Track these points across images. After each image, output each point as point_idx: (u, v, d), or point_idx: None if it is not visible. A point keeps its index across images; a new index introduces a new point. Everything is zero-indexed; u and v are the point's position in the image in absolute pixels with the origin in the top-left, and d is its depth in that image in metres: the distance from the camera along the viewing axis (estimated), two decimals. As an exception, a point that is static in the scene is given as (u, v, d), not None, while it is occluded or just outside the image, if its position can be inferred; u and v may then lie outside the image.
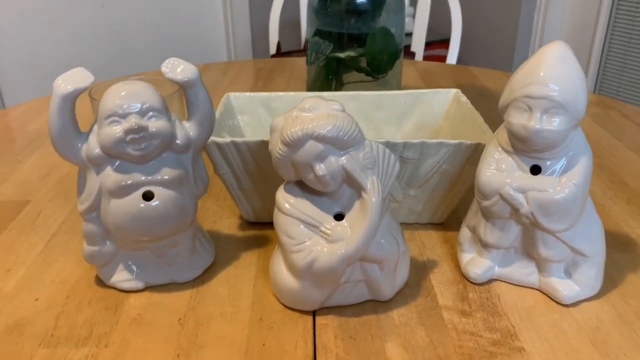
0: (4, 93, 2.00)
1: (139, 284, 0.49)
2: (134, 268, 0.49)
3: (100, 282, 0.50)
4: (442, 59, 1.66)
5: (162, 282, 0.50)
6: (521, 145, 0.44)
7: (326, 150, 0.41)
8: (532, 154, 0.45)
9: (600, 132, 0.84)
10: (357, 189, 0.43)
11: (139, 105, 0.43)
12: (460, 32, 1.59)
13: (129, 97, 0.44)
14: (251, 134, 0.65)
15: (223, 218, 0.61)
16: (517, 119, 0.43)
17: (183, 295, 0.49)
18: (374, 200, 0.41)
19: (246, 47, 2.52)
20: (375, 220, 0.41)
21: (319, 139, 0.41)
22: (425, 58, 1.68)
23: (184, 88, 0.46)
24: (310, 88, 0.77)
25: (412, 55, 1.67)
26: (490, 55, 2.39)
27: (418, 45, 1.67)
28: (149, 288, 0.50)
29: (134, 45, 2.19)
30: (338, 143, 0.41)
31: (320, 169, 0.41)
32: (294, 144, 0.41)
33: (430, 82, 1.08)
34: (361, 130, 0.43)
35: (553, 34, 2.25)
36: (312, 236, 0.43)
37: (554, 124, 0.42)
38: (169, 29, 2.29)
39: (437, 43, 2.22)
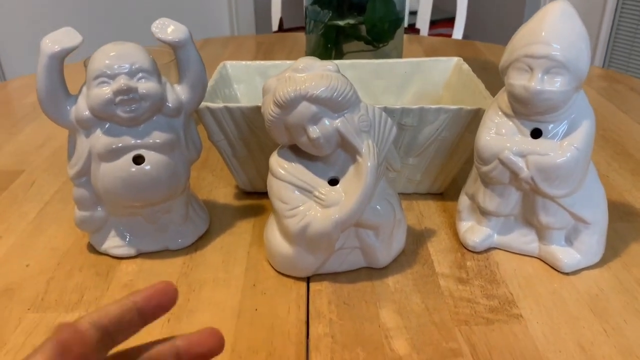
0: (5, 65, 1.99)
1: (130, 251, 0.48)
2: (126, 235, 0.48)
3: (92, 249, 0.49)
4: (448, 37, 1.63)
5: (154, 249, 0.49)
6: (522, 107, 0.43)
7: (320, 112, 0.40)
8: (532, 117, 0.43)
9: (607, 105, 0.83)
10: (352, 152, 0.41)
11: (128, 66, 0.42)
12: (465, 9, 1.57)
13: (118, 57, 0.42)
14: (248, 103, 0.64)
15: (219, 188, 0.60)
16: (517, 79, 0.42)
17: (175, 262, 0.48)
18: (369, 164, 0.40)
19: (249, 22, 2.49)
20: (370, 184, 0.40)
21: (312, 100, 0.40)
22: (431, 36, 1.66)
23: (174, 49, 0.45)
24: (309, 58, 0.76)
25: (417, 32, 1.64)
26: (496, 33, 2.36)
27: (423, 23, 1.65)
28: (141, 255, 0.49)
29: (135, 19, 2.17)
30: (332, 104, 0.40)
31: (314, 131, 0.40)
32: (286, 105, 0.40)
33: (434, 56, 1.06)
34: (356, 92, 0.42)
35: (561, 12, 2.21)
36: (306, 201, 0.42)
37: (556, 84, 0.41)
38: (171, 3, 2.27)
39: (443, 21, 2.19)
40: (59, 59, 0.42)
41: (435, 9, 1.70)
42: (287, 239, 0.44)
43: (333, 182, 0.43)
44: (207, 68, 0.47)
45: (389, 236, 0.45)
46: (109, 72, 0.42)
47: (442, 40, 1.21)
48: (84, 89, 0.44)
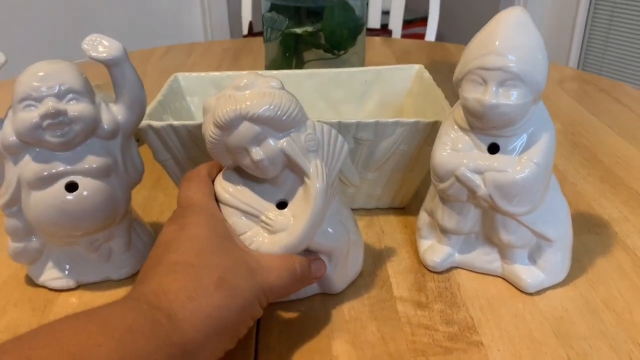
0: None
1: (70, 282, 0.45)
2: (65, 265, 0.45)
3: (30, 281, 0.46)
4: (422, 37, 1.61)
5: (96, 279, 0.46)
6: (477, 122, 0.41)
7: (263, 132, 0.37)
8: (489, 131, 0.41)
9: (576, 108, 0.81)
10: (300, 174, 0.39)
11: (56, 87, 0.39)
12: (438, 10, 1.55)
13: (45, 78, 0.39)
14: (199, 119, 0.61)
15: (172, 208, 0.57)
16: (471, 93, 0.39)
17: (118, 293, 0.45)
18: (317, 186, 0.38)
19: (223, 27, 2.46)
20: (319, 207, 0.38)
21: (254, 119, 0.37)
22: (405, 36, 1.64)
23: (108, 67, 0.42)
24: (269, 67, 0.73)
25: (389, 33, 1.62)
26: (471, 32, 2.35)
27: (395, 23, 1.63)
28: (82, 286, 0.46)
29: (105, 27, 2.12)
30: (276, 124, 0.38)
31: (257, 153, 0.38)
32: (226, 126, 0.37)
33: (403, 61, 1.04)
34: (303, 110, 0.39)
35: (536, 8, 2.21)
36: (252, 227, 0.40)
37: (512, 97, 0.38)
38: (143, 11, 2.22)
39: (417, 21, 2.18)
40: (-22, 82, 0.39)
41: (409, 8, 1.68)
42: None
43: (282, 205, 0.41)
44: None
45: (343, 260, 0.43)
46: (35, 94, 0.39)
47: (412, 42, 1.19)
48: (10, 113, 0.41)
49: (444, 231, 0.46)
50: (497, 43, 0.38)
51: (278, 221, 0.39)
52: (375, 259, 0.48)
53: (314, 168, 0.38)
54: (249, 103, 0.37)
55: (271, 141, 0.38)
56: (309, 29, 0.67)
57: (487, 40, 0.39)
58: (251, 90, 0.38)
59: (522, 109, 0.39)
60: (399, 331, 0.40)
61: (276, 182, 0.40)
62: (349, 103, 0.63)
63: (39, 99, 0.39)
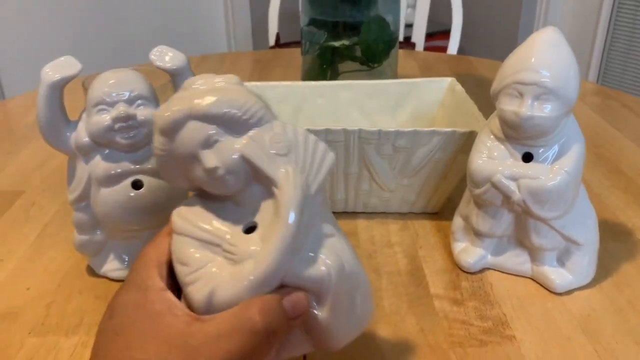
0: (4, 84, 2.00)
1: (129, 273, 0.49)
2: (125, 257, 0.49)
3: (91, 272, 0.50)
4: (444, 49, 1.65)
5: (153, 271, 0.50)
6: (513, 132, 0.44)
7: (215, 133, 0.31)
8: (523, 141, 0.44)
9: (599, 122, 0.84)
10: (267, 184, 0.31)
11: (127, 93, 0.43)
12: (460, 22, 1.58)
13: (117, 85, 0.43)
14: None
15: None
16: (508, 105, 0.43)
17: (174, 285, 0.48)
18: (287, 197, 0.30)
19: (246, 38, 2.51)
20: (293, 222, 0.29)
21: (201, 117, 0.31)
22: (427, 49, 1.67)
23: (172, 76, 0.46)
24: (305, 78, 0.77)
25: (412, 46, 1.66)
26: (492, 45, 2.38)
27: (418, 35, 1.66)
28: (140, 277, 0.49)
29: (133, 37, 2.18)
30: (230, 122, 0.31)
31: (209, 158, 0.31)
32: (170, 129, 0.31)
33: (428, 73, 1.07)
34: (269, 109, 0.33)
35: (556, 22, 2.24)
36: (211, 259, 0.31)
37: (545, 110, 0.42)
38: (168, 20, 2.28)
39: (439, 34, 2.21)
40: (59, 88, 0.43)
41: (431, 22, 1.72)
42: (192, 310, 0.31)
43: (252, 230, 0.32)
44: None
45: (343, 303, 0.31)
46: (108, 99, 0.43)
47: (436, 55, 1.23)
48: (84, 116, 0.45)
49: (478, 234, 0.49)
50: (532, 60, 0.42)
51: (243, 248, 0.30)
52: (411, 259, 0.52)
53: (284, 175, 0.30)
54: (195, 100, 0.31)
55: (226, 144, 0.31)
56: (346, 42, 0.70)
57: (523, 57, 0.42)
58: (201, 87, 0.33)
59: (555, 121, 0.42)
60: (436, 325, 0.44)
61: (241, 200, 0.32)
62: (383, 113, 0.66)
63: (111, 104, 0.43)
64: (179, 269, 0.31)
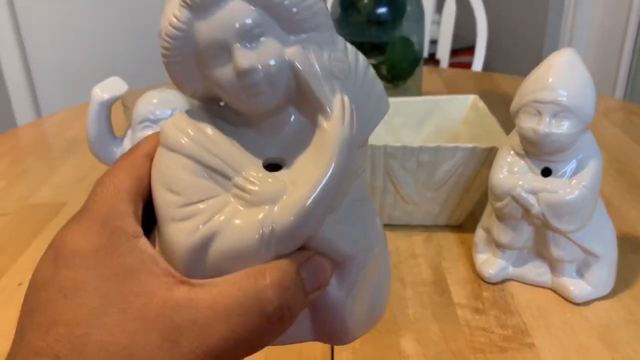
0: (40, 102, 2.08)
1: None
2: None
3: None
4: (468, 65, 1.67)
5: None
6: (532, 148, 0.46)
7: (262, 24, 0.23)
8: (542, 156, 0.46)
9: (623, 138, 0.85)
10: (312, 112, 0.24)
11: (169, 112, 0.47)
12: (485, 39, 1.60)
13: (160, 103, 0.47)
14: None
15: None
16: (527, 122, 0.45)
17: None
18: (340, 133, 0.22)
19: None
20: (340, 168, 0.22)
21: None
22: (451, 65, 1.70)
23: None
24: (333, 95, 0.80)
25: (437, 62, 1.68)
26: (516, 62, 2.39)
27: (443, 52, 1.69)
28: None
29: (149, 45, 2.25)
30: (285, 14, 0.23)
31: (246, 56, 0.22)
32: (202, 3, 0.22)
33: (452, 89, 1.10)
34: (329, 14, 0.25)
35: (582, 38, 2.24)
36: (216, 194, 0.23)
37: (563, 127, 0.44)
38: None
39: (464, 50, 2.23)
40: (108, 107, 0.46)
41: (456, 38, 1.74)
42: (170, 263, 0.22)
43: (273, 168, 0.24)
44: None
45: (364, 286, 0.25)
46: (152, 117, 0.46)
47: (461, 72, 1.25)
48: (129, 132, 0.48)
49: (499, 246, 0.51)
50: (550, 80, 0.44)
51: (265, 187, 0.23)
52: (435, 270, 0.54)
53: (339, 104, 0.23)
54: None
55: (274, 42, 0.23)
56: (373, 61, 0.73)
57: (541, 77, 0.44)
58: None
59: (572, 138, 0.45)
60: (459, 332, 0.46)
61: (267, 125, 0.25)
62: (408, 129, 0.69)
63: (155, 121, 0.46)
64: (165, 197, 0.23)
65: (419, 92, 0.79)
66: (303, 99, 0.24)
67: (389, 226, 0.61)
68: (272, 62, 0.23)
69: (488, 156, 0.54)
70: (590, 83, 0.44)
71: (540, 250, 0.50)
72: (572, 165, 0.46)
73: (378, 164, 0.55)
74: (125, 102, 0.64)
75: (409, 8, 0.73)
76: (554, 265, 0.49)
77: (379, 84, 0.25)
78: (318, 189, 0.21)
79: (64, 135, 0.92)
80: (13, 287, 0.52)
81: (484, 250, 0.53)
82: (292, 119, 0.24)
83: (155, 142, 0.25)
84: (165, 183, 0.23)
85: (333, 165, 0.22)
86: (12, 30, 1.93)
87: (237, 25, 0.22)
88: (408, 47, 0.72)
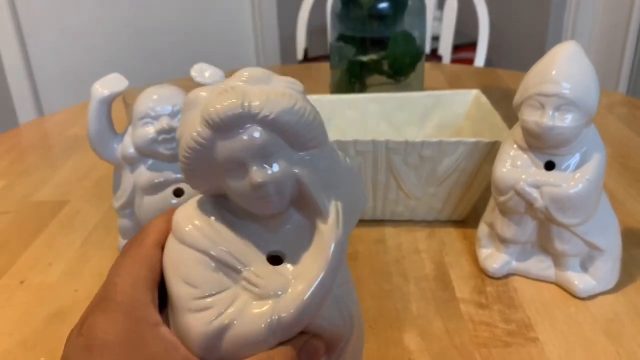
0: (42, 100, 2.08)
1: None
2: (166, 262, 0.52)
3: (135, 275, 0.53)
4: (470, 62, 1.66)
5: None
6: (535, 141, 0.46)
7: (274, 145, 0.26)
8: (546, 150, 0.46)
9: (626, 132, 0.84)
10: (311, 215, 0.28)
11: (169, 108, 0.46)
12: (487, 34, 1.60)
13: (160, 100, 0.47)
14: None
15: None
16: (530, 116, 0.45)
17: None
18: (335, 235, 0.27)
19: (274, 53, 2.56)
20: (335, 265, 0.27)
21: (268, 123, 0.26)
22: (454, 61, 1.69)
23: (211, 91, 0.49)
24: (333, 91, 0.79)
25: (439, 58, 1.68)
26: (519, 58, 2.38)
27: (445, 48, 1.68)
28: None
29: (164, 52, 2.25)
30: (295, 136, 0.26)
31: (260, 173, 0.26)
32: (225, 127, 0.25)
33: (455, 85, 1.09)
34: (325, 129, 0.28)
35: (584, 33, 2.23)
36: (227, 286, 0.27)
37: (566, 120, 0.43)
38: (198, 35, 2.34)
39: (465, 46, 2.23)
40: (108, 103, 0.46)
41: (457, 34, 1.74)
42: (186, 347, 0.26)
43: (275, 260, 0.28)
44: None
45: (348, 352, 0.30)
46: (152, 113, 0.46)
47: (463, 68, 1.24)
48: (130, 129, 0.48)
49: (502, 241, 0.50)
50: (553, 72, 0.44)
51: (272, 281, 0.27)
52: (438, 265, 0.54)
53: (334, 210, 0.27)
54: (263, 99, 0.25)
55: (283, 160, 0.26)
56: (374, 56, 0.73)
57: (544, 70, 0.44)
58: (265, 85, 0.27)
59: (575, 131, 0.44)
60: (462, 327, 0.45)
61: (273, 224, 0.28)
62: (410, 125, 0.69)
63: (155, 117, 0.46)
64: (182, 289, 0.26)
65: (421, 88, 0.78)
66: (303, 204, 0.28)
67: (391, 222, 0.61)
68: (282, 177, 0.26)
69: (491, 151, 0.53)
70: (593, 76, 0.44)
71: (544, 245, 0.49)
72: (576, 158, 0.46)
73: (380, 160, 0.55)
74: (126, 99, 0.63)
75: (410, 2, 0.72)
76: (557, 260, 0.49)
77: (360, 181, 0.30)
78: (317, 284, 0.26)
79: (65, 133, 0.92)
80: (15, 286, 0.52)
81: (487, 245, 0.53)
82: (292, 218, 0.28)
83: (162, 229, 0.28)
84: (182, 277, 0.27)
85: (330, 263, 0.26)
86: (14, 28, 1.93)
87: (254, 147, 0.25)
88: (409, 41, 0.72)
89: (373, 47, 0.74)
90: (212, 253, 0.27)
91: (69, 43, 2.07)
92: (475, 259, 0.54)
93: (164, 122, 0.46)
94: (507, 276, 0.51)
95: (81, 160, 0.81)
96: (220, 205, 0.28)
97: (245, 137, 0.25)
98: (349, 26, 0.73)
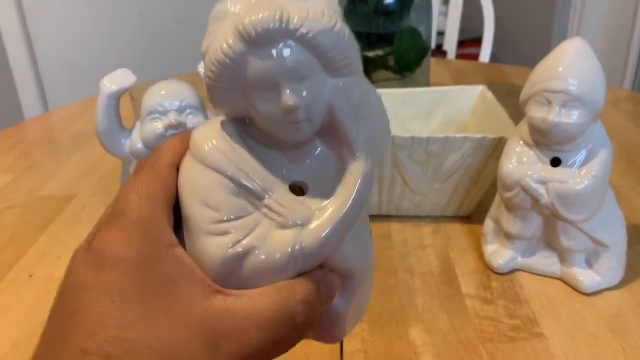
0: (48, 96, 2.08)
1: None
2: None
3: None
4: (476, 57, 1.66)
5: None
6: (541, 138, 0.46)
7: (310, 67, 0.24)
8: (552, 146, 0.46)
9: (632, 129, 0.84)
10: (339, 146, 0.26)
11: (177, 104, 0.47)
12: (493, 30, 1.59)
13: (168, 95, 0.47)
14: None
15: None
16: (537, 112, 0.45)
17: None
18: (363, 168, 0.26)
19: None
20: (362, 199, 0.26)
21: (305, 42, 0.24)
22: (459, 57, 1.69)
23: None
24: (340, 87, 0.80)
25: (444, 54, 1.68)
26: (524, 54, 2.37)
27: (450, 44, 1.68)
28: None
29: (170, 49, 2.25)
30: (332, 59, 0.25)
31: (293, 96, 0.24)
32: (260, 40, 0.23)
33: (460, 81, 1.09)
34: (361, 60, 0.27)
35: (590, 29, 2.22)
36: (249, 212, 0.25)
37: (573, 117, 0.43)
38: (204, 30, 2.34)
39: (471, 42, 2.22)
40: (117, 99, 0.46)
41: (463, 30, 1.73)
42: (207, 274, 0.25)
43: (297, 190, 0.27)
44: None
45: (358, 292, 0.29)
46: (160, 109, 0.46)
47: (468, 64, 1.24)
48: (138, 124, 0.48)
49: (508, 237, 0.51)
50: (560, 69, 0.44)
51: (294, 210, 0.25)
52: (444, 261, 0.54)
53: (364, 143, 0.26)
54: (303, 15, 0.24)
55: (317, 85, 0.25)
56: (380, 52, 0.73)
57: (551, 66, 0.44)
58: (304, 2, 0.25)
59: (582, 128, 0.44)
60: (468, 322, 0.46)
61: (297, 155, 0.27)
62: (416, 120, 0.69)
63: (164, 113, 0.46)
64: (200, 212, 0.25)
65: (427, 84, 0.78)
66: (332, 134, 0.26)
67: (397, 217, 0.61)
68: (315, 103, 0.25)
69: (497, 147, 0.53)
70: (600, 72, 0.44)
71: (550, 241, 0.49)
72: (582, 155, 0.46)
73: (386, 155, 0.55)
74: (134, 94, 0.64)
75: (416, -1, 0.72)
76: (563, 256, 0.49)
77: (387, 117, 0.28)
78: (341, 217, 0.25)
79: (71, 128, 0.93)
80: (24, 279, 0.53)
81: (493, 241, 0.53)
82: (316, 150, 0.27)
83: (178, 150, 0.26)
84: (200, 199, 0.25)
85: (356, 196, 0.25)
86: (20, 24, 1.94)
87: (289, 67, 0.24)
88: (416, 37, 0.72)
89: (379, 43, 0.74)
90: (234, 176, 0.25)
91: (75, 38, 2.08)
92: (481, 255, 0.54)
93: (172, 118, 0.46)
94: (512, 272, 0.52)
95: (87, 155, 0.81)
96: (242, 128, 0.26)
97: (280, 55, 0.24)
98: (355, 22, 0.73)
